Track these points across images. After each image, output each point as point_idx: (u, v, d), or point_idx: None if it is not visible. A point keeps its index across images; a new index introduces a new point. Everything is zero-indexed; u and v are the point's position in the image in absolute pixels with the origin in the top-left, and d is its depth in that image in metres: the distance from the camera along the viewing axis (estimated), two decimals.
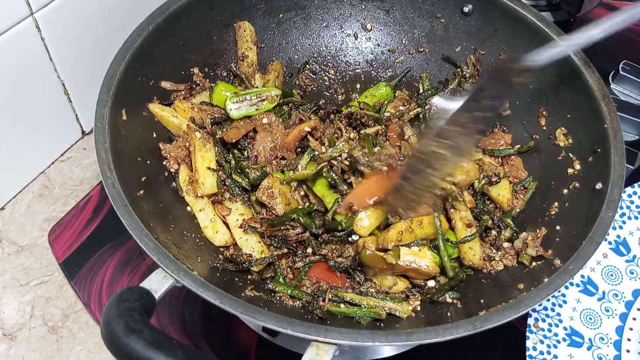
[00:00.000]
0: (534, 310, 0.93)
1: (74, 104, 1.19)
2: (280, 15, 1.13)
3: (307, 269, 0.90)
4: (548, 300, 0.94)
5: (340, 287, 0.88)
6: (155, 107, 0.97)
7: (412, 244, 0.87)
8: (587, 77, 0.94)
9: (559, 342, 0.91)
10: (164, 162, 0.96)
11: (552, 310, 0.94)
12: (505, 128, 1.07)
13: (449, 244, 0.90)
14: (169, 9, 0.97)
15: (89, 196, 1.15)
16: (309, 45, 1.17)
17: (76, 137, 1.26)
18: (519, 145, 1.02)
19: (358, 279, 0.88)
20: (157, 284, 0.71)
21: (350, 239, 0.89)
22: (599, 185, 0.84)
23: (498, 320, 0.70)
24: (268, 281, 0.87)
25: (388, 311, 0.83)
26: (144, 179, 0.90)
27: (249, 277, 0.88)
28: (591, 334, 0.93)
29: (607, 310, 0.94)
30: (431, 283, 0.88)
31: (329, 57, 1.19)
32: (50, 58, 1.08)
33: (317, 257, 0.90)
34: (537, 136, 1.02)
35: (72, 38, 1.10)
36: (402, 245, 0.86)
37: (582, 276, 0.97)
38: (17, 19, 0.98)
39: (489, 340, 0.99)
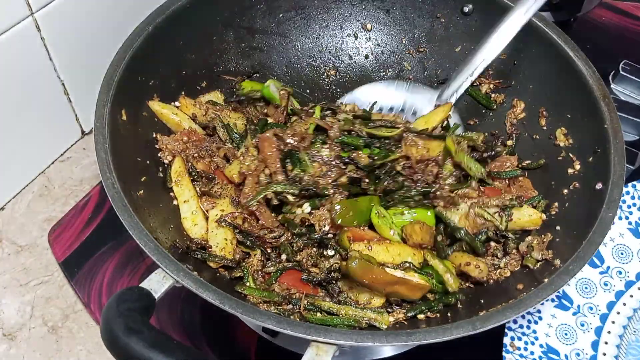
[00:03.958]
0: (509, 329, 0.91)
1: (74, 104, 1.19)
2: (280, 15, 1.13)
3: (278, 274, 0.87)
4: (523, 317, 0.92)
5: (316, 296, 0.84)
6: (155, 105, 0.98)
7: (395, 267, 0.83)
8: (587, 77, 0.93)
9: None
10: (159, 154, 0.96)
11: (528, 327, 0.92)
12: (510, 146, 1.05)
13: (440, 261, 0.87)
14: (169, 9, 0.97)
15: (88, 196, 1.15)
16: (309, 45, 1.17)
17: (76, 137, 1.26)
18: (528, 161, 1.01)
19: (332, 292, 0.85)
20: (157, 284, 0.71)
21: (325, 253, 0.87)
22: (599, 186, 0.84)
23: (498, 321, 0.70)
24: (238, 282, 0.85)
25: (368, 321, 0.79)
26: (143, 179, 0.90)
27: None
28: (567, 350, 0.91)
29: (583, 325, 0.93)
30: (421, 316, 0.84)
31: (329, 57, 1.19)
32: (50, 58, 1.08)
33: (290, 263, 0.88)
34: (537, 136, 1.02)
35: (72, 38, 1.10)
36: (384, 265, 0.83)
37: (557, 291, 0.95)
38: (17, 19, 0.98)
39: (489, 340, 0.99)
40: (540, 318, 0.93)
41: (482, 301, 0.83)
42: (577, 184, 0.91)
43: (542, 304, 0.94)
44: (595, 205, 0.82)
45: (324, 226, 0.88)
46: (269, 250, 0.90)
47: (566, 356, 0.90)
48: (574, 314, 0.94)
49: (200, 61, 1.07)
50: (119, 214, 0.75)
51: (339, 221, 0.86)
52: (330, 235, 0.89)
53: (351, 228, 0.88)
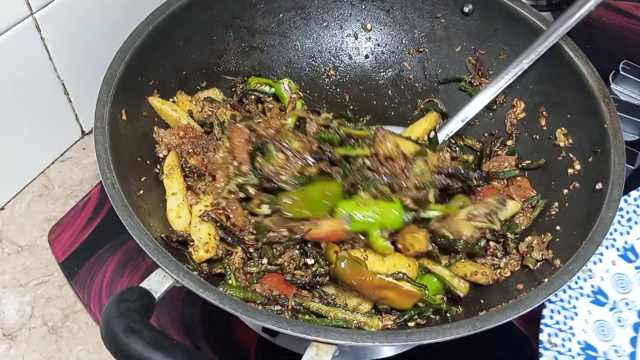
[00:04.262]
0: (545, 325, 0.89)
1: (74, 104, 1.19)
2: (280, 15, 1.13)
3: (260, 275, 0.87)
4: (559, 313, 0.91)
5: (304, 296, 0.84)
6: (155, 101, 0.98)
7: (387, 276, 0.82)
8: (587, 77, 0.94)
9: (573, 357, 0.87)
10: (156, 149, 0.96)
11: (565, 323, 0.90)
12: (509, 146, 1.06)
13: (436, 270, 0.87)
14: (169, 9, 0.97)
15: (89, 196, 1.15)
16: (309, 45, 1.17)
17: (76, 137, 1.26)
18: (528, 161, 1.01)
19: (320, 294, 0.84)
20: (157, 284, 0.71)
21: (307, 261, 0.87)
22: (599, 186, 0.84)
23: (498, 321, 0.70)
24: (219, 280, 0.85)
25: (357, 324, 0.79)
26: (143, 179, 0.90)
27: None
28: (605, 347, 0.89)
29: (619, 321, 0.91)
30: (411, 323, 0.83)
31: (329, 57, 1.18)
32: (50, 58, 1.08)
33: (272, 267, 0.87)
34: (537, 136, 1.03)
35: (72, 38, 1.10)
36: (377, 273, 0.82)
37: (592, 286, 0.93)
38: (17, 19, 0.98)
39: (489, 340, 0.99)
40: (576, 314, 0.91)
41: (482, 301, 0.84)
42: (577, 184, 0.91)
43: (577, 299, 0.93)
44: (595, 205, 0.82)
45: (282, 232, 0.85)
46: (251, 250, 0.89)
47: (605, 353, 0.88)
48: (611, 309, 0.92)
49: (200, 61, 1.07)
50: (119, 214, 0.75)
51: (291, 215, 0.84)
52: (309, 244, 0.88)
53: (328, 236, 0.85)
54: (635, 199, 0.98)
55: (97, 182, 1.19)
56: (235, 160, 0.91)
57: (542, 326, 0.90)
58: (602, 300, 0.93)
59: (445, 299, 0.88)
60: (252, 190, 0.88)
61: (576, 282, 0.94)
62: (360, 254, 0.84)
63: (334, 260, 0.83)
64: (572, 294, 0.92)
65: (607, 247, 0.96)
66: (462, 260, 0.90)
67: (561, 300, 0.92)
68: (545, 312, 0.90)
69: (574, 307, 0.92)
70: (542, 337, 0.89)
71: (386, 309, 0.83)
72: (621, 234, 0.97)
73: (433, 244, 0.89)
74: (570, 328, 0.90)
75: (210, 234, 0.87)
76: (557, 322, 0.90)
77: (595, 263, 0.95)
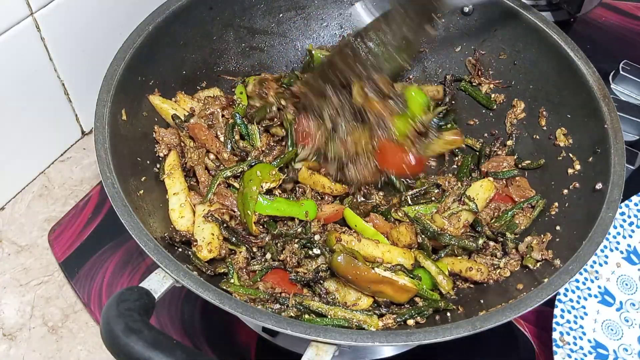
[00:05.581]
0: (557, 324, 0.91)
1: (74, 104, 1.19)
2: (280, 15, 1.13)
3: (263, 273, 0.88)
4: (570, 312, 0.92)
5: (304, 295, 0.84)
6: (156, 99, 0.98)
7: (386, 268, 0.83)
8: (587, 77, 0.94)
9: (585, 355, 0.89)
10: (155, 147, 0.96)
11: (575, 323, 0.92)
12: (509, 146, 1.05)
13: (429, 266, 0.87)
14: (169, 9, 0.97)
15: (88, 196, 1.15)
16: (309, 45, 1.17)
17: (76, 137, 1.26)
18: (528, 161, 1.01)
19: (320, 292, 0.85)
20: (157, 284, 0.71)
21: (312, 252, 0.88)
22: (599, 186, 0.84)
23: (498, 321, 0.70)
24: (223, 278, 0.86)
25: (357, 323, 0.79)
26: (144, 178, 0.90)
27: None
28: (615, 345, 0.91)
29: (627, 320, 0.93)
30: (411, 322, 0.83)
31: None
32: (50, 58, 1.08)
33: (275, 263, 0.88)
34: (537, 136, 1.02)
35: (72, 38, 1.10)
36: (374, 265, 0.83)
37: (599, 287, 0.95)
38: (17, 19, 0.98)
39: (489, 340, 0.99)
40: (585, 314, 0.93)
41: (482, 301, 0.84)
42: (577, 184, 0.91)
43: (586, 299, 0.94)
44: (595, 205, 0.82)
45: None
46: (254, 250, 0.90)
47: (614, 351, 0.91)
48: (617, 309, 0.94)
49: (200, 61, 1.07)
50: (119, 214, 0.75)
51: None
52: (317, 237, 0.90)
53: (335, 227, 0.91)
54: (636, 204, 1.00)
55: (97, 182, 1.19)
56: (210, 153, 0.94)
57: (554, 325, 0.91)
58: (609, 301, 0.95)
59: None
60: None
61: (584, 283, 0.95)
62: (355, 237, 0.87)
63: (334, 244, 0.86)
64: (581, 295, 0.94)
65: (611, 250, 0.98)
66: (459, 257, 0.91)
67: (570, 300, 0.93)
68: (556, 311, 0.92)
69: (583, 307, 0.93)
70: (555, 335, 0.90)
71: (386, 302, 0.84)
72: (624, 237, 0.99)
73: (423, 236, 0.90)
74: (581, 327, 0.91)
75: (213, 234, 0.87)
76: (568, 321, 0.92)
77: (601, 265, 0.97)
